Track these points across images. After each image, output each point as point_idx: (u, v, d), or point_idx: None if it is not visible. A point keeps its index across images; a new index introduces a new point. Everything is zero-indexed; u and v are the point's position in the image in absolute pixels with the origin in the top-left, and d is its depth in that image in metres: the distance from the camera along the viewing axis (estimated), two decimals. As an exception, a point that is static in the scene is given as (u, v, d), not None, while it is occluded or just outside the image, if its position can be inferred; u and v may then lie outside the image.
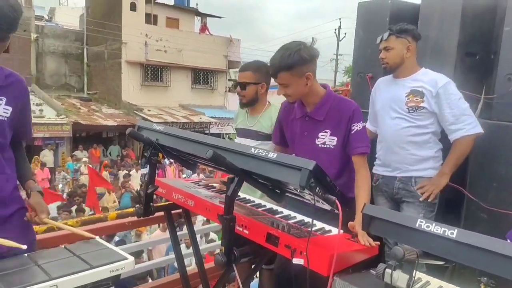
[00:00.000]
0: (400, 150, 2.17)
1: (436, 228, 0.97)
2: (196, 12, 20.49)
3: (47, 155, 13.50)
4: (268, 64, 1.89)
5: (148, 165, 1.73)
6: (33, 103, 15.02)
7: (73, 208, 8.11)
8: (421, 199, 2.11)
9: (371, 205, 1.20)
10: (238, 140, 2.45)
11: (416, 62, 2.20)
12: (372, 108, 2.41)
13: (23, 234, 1.48)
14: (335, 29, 22.84)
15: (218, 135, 16.55)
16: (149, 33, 17.45)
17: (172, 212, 2.02)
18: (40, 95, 16.19)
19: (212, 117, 17.73)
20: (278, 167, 1.22)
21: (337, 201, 1.20)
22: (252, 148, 1.32)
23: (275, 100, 2.30)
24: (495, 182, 2.16)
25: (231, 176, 1.34)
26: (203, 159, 1.57)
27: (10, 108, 1.48)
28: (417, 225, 0.99)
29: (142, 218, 1.82)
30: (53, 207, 7.54)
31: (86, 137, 15.86)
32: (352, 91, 2.94)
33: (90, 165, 13.25)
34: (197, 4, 21.05)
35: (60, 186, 11.16)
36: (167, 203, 1.96)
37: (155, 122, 11.26)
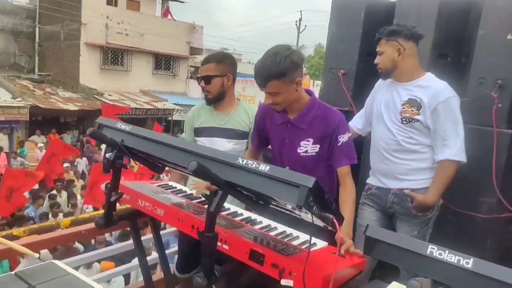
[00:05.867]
0: (392, 159, 2.00)
1: (450, 257, 0.85)
2: (158, -4, 19.63)
3: (2, 140, 12.48)
4: (255, 72, 1.67)
5: (111, 170, 1.49)
6: (-17, 84, 13.84)
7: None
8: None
9: (375, 227, 1.08)
10: (202, 140, 2.17)
11: (419, 65, 2.00)
12: (369, 109, 2.18)
13: None
14: (296, 21, 22.86)
15: (180, 122, 16.13)
16: (110, 15, 16.41)
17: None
18: (-9, 76, 14.88)
19: (174, 103, 17.16)
20: (271, 182, 1.05)
21: (334, 219, 1.07)
22: (240, 159, 1.13)
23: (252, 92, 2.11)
24: (463, 184, 2.13)
25: (214, 188, 1.17)
26: (177, 165, 1.39)
27: None
28: (428, 252, 0.88)
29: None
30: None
31: (42, 121, 14.81)
32: (323, 87, 2.82)
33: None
34: (158, -13, 20.14)
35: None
36: (131, 209, 1.72)
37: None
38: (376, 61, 2.02)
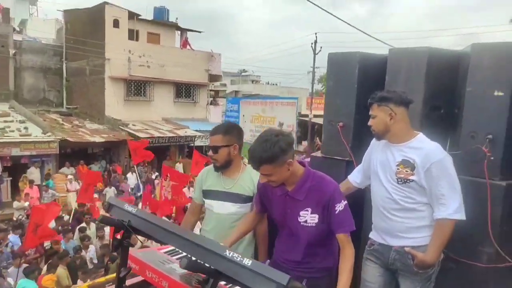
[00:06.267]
0: (391, 217, 2.05)
1: None
2: (176, 27, 20.36)
3: (33, 173, 13.07)
4: (249, 155, 1.82)
5: (120, 248, 1.65)
6: (16, 120, 14.59)
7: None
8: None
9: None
10: (209, 203, 2.33)
11: (410, 128, 2.06)
12: (366, 165, 2.25)
13: None
14: (311, 43, 23.08)
15: (202, 148, 16.45)
16: (132, 49, 17.20)
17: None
18: (22, 111, 15.64)
19: (196, 130, 17.58)
20: (253, 275, 1.18)
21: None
22: (227, 251, 1.27)
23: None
24: (462, 234, 2.18)
25: (204, 276, 1.31)
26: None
27: None
28: None
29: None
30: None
31: (71, 153, 15.47)
32: (323, 139, 2.94)
33: (77, 182, 13.05)
34: (176, 19, 20.93)
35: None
36: (140, 280, 1.84)
37: (141, 137, 11.32)
38: (369, 123, 2.11)
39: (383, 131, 2.06)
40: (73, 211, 9.63)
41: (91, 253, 7.38)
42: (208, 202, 2.34)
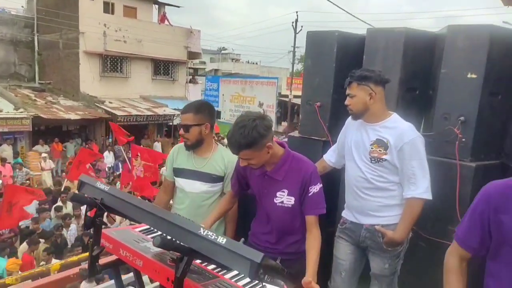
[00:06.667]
0: (363, 196, 2.09)
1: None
2: (154, 1, 19.68)
3: (6, 150, 12.68)
4: (228, 141, 1.81)
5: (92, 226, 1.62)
6: (-14, 96, 14.01)
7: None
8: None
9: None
10: (180, 181, 2.31)
11: (385, 107, 2.08)
12: (342, 143, 2.27)
13: None
14: (292, 22, 22.77)
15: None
16: (108, 23, 16.59)
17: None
18: (-7, 87, 15.08)
19: (174, 108, 17.31)
20: (228, 253, 1.17)
21: (285, 286, 1.20)
22: (201, 229, 1.26)
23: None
24: (432, 213, 2.25)
25: (178, 255, 1.31)
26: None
27: None
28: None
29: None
30: (32, 208, 7.27)
31: (45, 130, 15.02)
32: (301, 119, 2.94)
33: (52, 160, 12.73)
34: (154, -8, 20.25)
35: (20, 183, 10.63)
36: (113, 259, 1.80)
37: (118, 115, 11.43)
38: (347, 102, 2.09)
39: (362, 110, 2.05)
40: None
41: (71, 232, 7.27)
42: (179, 181, 2.31)
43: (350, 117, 2.27)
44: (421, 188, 1.97)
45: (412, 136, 1.98)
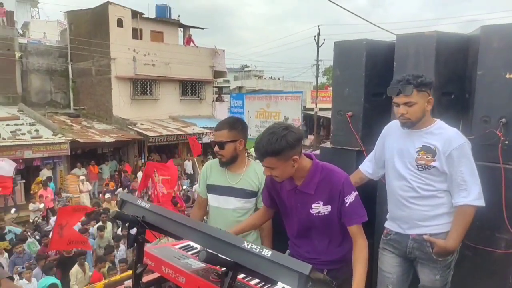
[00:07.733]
0: (409, 205, 2.00)
1: None
2: (179, 24, 20.34)
3: (46, 175, 13.17)
4: (255, 145, 1.77)
5: (135, 244, 1.64)
6: (26, 123, 14.69)
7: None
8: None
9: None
10: (213, 197, 2.31)
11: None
12: (379, 153, 2.18)
13: None
14: (314, 36, 22.87)
15: (210, 145, 16.47)
16: (137, 48, 17.23)
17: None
18: (31, 114, 15.77)
19: (203, 127, 17.58)
20: (274, 266, 1.16)
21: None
22: (245, 242, 1.25)
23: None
24: (477, 221, 2.15)
25: (224, 269, 1.31)
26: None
27: None
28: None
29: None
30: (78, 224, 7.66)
31: (81, 154, 15.59)
32: (333, 129, 2.90)
33: (89, 182, 13.14)
34: (178, 16, 20.95)
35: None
36: (156, 276, 1.81)
37: (150, 136, 11.74)
38: (402, 111, 1.95)
39: (420, 118, 1.95)
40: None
41: (120, 253, 7.43)
42: (212, 197, 2.32)
43: (388, 126, 2.20)
44: (473, 194, 1.89)
45: (461, 141, 1.91)
